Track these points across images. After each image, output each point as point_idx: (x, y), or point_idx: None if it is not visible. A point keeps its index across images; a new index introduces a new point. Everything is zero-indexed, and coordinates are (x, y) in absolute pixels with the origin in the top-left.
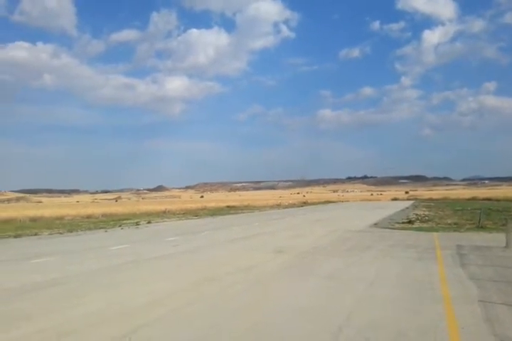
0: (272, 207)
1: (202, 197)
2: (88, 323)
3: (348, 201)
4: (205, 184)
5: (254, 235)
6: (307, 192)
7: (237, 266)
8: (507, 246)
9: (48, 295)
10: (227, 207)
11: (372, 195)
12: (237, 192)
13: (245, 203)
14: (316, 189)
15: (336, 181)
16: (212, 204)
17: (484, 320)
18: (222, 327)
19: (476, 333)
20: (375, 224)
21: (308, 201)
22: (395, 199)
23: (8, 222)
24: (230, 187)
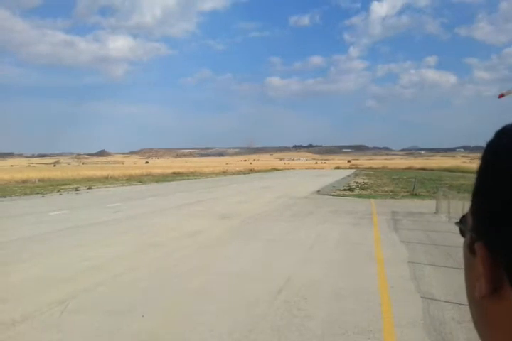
0: (218, 173)
1: (147, 163)
2: (25, 289)
3: (293, 169)
4: (151, 149)
5: (199, 201)
6: (254, 160)
7: (182, 232)
8: (437, 211)
9: None
10: (173, 173)
11: (316, 163)
12: (184, 159)
13: (192, 170)
14: (264, 157)
15: (282, 149)
16: (158, 171)
17: (412, 279)
18: (165, 291)
19: (403, 291)
20: (318, 191)
21: (255, 168)
22: (338, 167)
23: None
24: (176, 153)
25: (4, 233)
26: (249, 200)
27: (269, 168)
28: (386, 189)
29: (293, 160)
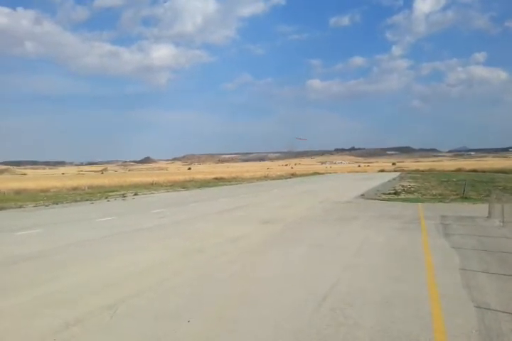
0: (259, 178)
1: (189, 168)
2: (75, 294)
3: (335, 172)
4: (193, 155)
5: (241, 206)
6: (295, 164)
7: (225, 237)
8: (489, 216)
9: (34, 267)
10: (215, 178)
11: (359, 166)
12: (225, 164)
13: (233, 175)
14: (305, 160)
15: (324, 153)
16: (200, 176)
17: (464, 287)
18: (209, 296)
19: (455, 300)
20: (362, 195)
21: (297, 172)
22: (382, 170)
23: None
24: (217, 158)
25: (55, 239)
26: (291, 205)
27: (311, 172)
28: (434, 192)
29: (335, 163)
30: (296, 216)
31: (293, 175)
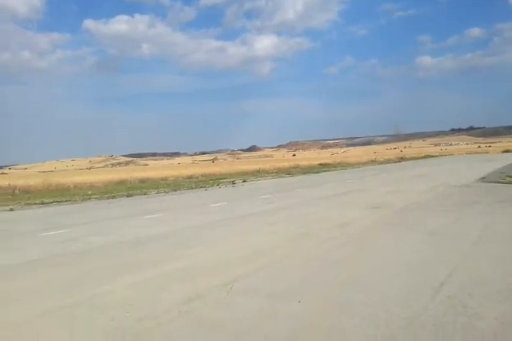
0: (366, 163)
1: (294, 155)
2: (196, 272)
3: (451, 155)
4: (297, 142)
5: (348, 192)
6: (405, 147)
7: (332, 222)
8: None
9: (158, 247)
10: (320, 164)
11: (479, 147)
12: (330, 150)
13: (338, 160)
14: (415, 143)
15: (437, 134)
16: (305, 163)
17: None
18: (318, 279)
19: None
20: (483, 179)
21: (406, 156)
22: (507, 151)
23: (120, 183)
24: (322, 144)
25: (175, 222)
26: (401, 190)
27: (423, 154)
28: None
29: (450, 145)
30: (407, 201)
31: (402, 159)
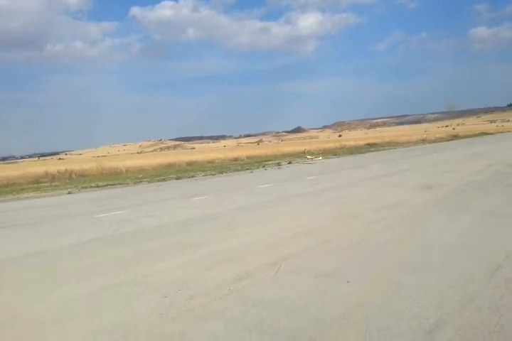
0: (416, 142)
1: (340, 136)
2: (243, 252)
3: (509, 131)
4: (343, 122)
5: (396, 172)
6: (458, 125)
7: (381, 203)
8: None
9: (207, 228)
10: (367, 144)
11: None
12: (378, 129)
13: (387, 140)
14: (470, 120)
15: (493, 110)
16: (351, 143)
17: None
18: (367, 260)
19: None
20: None
21: (460, 134)
22: None
23: (169, 166)
24: (369, 124)
25: (223, 204)
26: (454, 169)
27: (477, 132)
28: None
29: (508, 121)
30: (462, 181)
31: (455, 137)
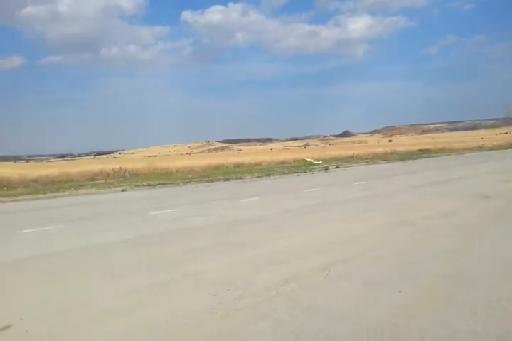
0: (472, 149)
1: (390, 141)
2: (291, 255)
3: None
4: (393, 127)
5: (451, 179)
6: None
7: (434, 211)
8: None
9: (255, 229)
10: (419, 150)
11: None
12: (430, 135)
13: (440, 146)
14: None
15: None
16: (402, 148)
17: None
18: (419, 270)
19: None
20: None
21: None
22: None
23: (217, 167)
24: (421, 129)
25: (270, 206)
26: None
27: None
28: None
29: None
30: None
31: None
